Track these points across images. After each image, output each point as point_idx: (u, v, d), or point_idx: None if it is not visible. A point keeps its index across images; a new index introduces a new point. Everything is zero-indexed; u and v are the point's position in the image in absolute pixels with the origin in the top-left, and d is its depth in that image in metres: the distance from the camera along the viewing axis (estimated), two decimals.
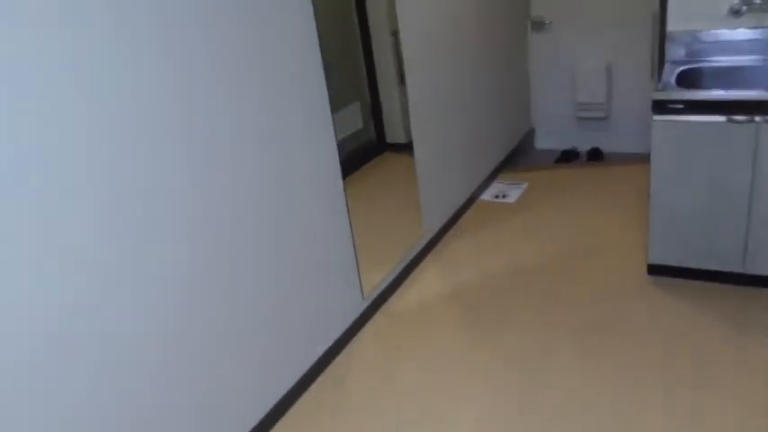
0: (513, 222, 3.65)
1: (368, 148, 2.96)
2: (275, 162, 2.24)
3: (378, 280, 2.95)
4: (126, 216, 1.71)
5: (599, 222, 3.50)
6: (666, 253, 2.80)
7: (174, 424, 1.93)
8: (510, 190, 4.07)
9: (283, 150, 2.27)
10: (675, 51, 2.92)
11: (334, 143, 2.54)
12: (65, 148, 1.54)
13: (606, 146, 4.53)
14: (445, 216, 3.59)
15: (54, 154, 1.52)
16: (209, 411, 2.04)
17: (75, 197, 1.58)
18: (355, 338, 2.76)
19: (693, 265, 2.78)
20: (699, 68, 2.83)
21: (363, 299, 2.83)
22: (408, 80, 3.05)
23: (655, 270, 2.90)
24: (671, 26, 2.90)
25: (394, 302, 3.00)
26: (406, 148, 3.14)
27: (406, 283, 3.16)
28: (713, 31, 2.83)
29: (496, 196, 4.01)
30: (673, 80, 2.69)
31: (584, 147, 4.60)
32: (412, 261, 3.25)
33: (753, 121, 2.42)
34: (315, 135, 2.43)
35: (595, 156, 4.48)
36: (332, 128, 2.52)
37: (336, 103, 2.57)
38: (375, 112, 2.98)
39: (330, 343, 2.63)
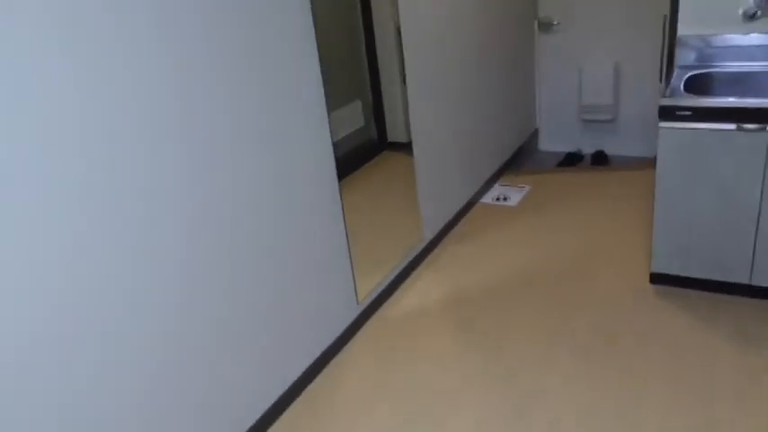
0: (513, 226, 3.69)
1: (368, 147, 3.00)
2: (274, 163, 2.28)
3: (374, 283, 2.99)
4: (126, 216, 1.75)
5: (602, 228, 3.55)
6: (670, 262, 2.84)
7: (174, 424, 1.98)
8: (511, 193, 4.11)
9: (282, 151, 2.32)
10: (685, 56, 2.94)
11: (330, 146, 2.58)
12: (65, 148, 1.58)
13: (611, 149, 4.58)
14: (444, 219, 3.63)
15: (54, 154, 1.56)
16: (207, 412, 2.10)
17: (75, 197, 1.62)
18: (350, 343, 2.81)
19: (698, 275, 2.82)
20: (709, 74, 2.85)
21: (358, 304, 2.88)
22: (408, 80, 3.09)
23: (658, 279, 2.95)
24: (682, 30, 2.92)
25: (390, 307, 3.04)
26: (408, 146, 3.19)
27: (403, 286, 3.20)
28: (725, 35, 2.85)
29: (497, 199, 4.05)
30: (681, 85, 2.71)
31: (588, 149, 4.65)
32: (409, 264, 3.30)
33: (764, 129, 2.44)
34: (311, 137, 2.48)
35: (600, 159, 4.52)
36: (328, 132, 2.55)
37: (337, 101, 2.61)
38: (377, 110, 3.02)
39: (324, 347, 2.68)
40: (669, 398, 2.30)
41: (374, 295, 3.01)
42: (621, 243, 3.37)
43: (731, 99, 2.49)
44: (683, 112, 2.54)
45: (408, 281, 3.24)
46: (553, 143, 4.79)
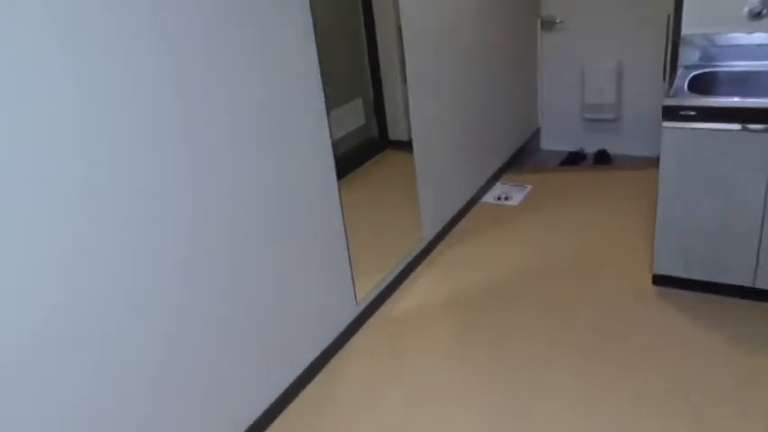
0: (515, 226, 3.71)
1: (369, 145, 3.02)
2: (274, 163, 2.31)
3: (374, 282, 3.01)
4: (126, 216, 1.77)
5: (604, 228, 3.57)
6: (672, 264, 2.86)
7: (175, 423, 2.00)
8: (513, 192, 4.13)
9: (282, 151, 2.34)
10: (689, 55, 2.95)
11: (330, 147, 2.60)
12: (64, 148, 1.60)
13: (614, 148, 4.59)
14: (445, 218, 3.65)
15: (54, 154, 1.58)
16: (207, 411, 2.12)
17: (75, 197, 1.64)
18: (350, 343, 2.83)
19: (700, 277, 2.83)
20: (713, 73, 2.86)
21: (357, 303, 2.90)
22: (409, 78, 3.11)
23: (660, 280, 2.96)
24: (686, 29, 2.92)
25: (390, 306, 3.06)
26: (409, 145, 3.20)
27: (403, 286, 3.22)
28: (729, 34, 2.85)
29: (499, 198, 4.07)
30: (685, 85, 2.72)
31: (591, 149, 4.67)
32: (409, 264, 3.32)
33: None
34: (311, 137, 2.50)
35: (603, 158, 4.54)
36: (328, 132, 2.57)
37: (338, 99, 2.62)
38: (378, 108, 3.04)
39: (324, 347, 2.70)
40: (669, 398, 2.32)
41: (374, 295, 3.03)
42: (623, 243, 3.38)
43: (736, 99, 2.49)
44: (686, 112, 2.55)
45: (408, 280, 3.27)
46: (555, 142, 4.81)
